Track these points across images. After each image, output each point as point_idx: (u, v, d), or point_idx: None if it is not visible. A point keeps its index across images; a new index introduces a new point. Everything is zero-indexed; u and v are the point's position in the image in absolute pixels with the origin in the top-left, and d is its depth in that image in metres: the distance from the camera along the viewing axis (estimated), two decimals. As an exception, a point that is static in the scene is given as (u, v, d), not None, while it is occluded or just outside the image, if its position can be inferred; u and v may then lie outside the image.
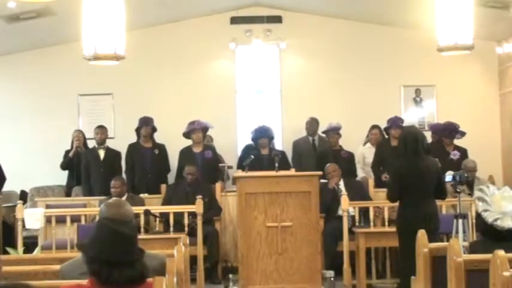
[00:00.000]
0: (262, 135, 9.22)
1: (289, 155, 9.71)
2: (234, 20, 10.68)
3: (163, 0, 9.63)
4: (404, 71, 10.70)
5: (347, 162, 9.23)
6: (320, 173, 7.35)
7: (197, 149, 9.09)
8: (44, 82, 10.55)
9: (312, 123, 9.79)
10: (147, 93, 10.52)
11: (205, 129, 9.24)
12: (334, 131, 9.48)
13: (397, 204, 7.82)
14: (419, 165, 6.23)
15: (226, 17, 10.67)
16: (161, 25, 10.60)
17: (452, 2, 6.85)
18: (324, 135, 9.67)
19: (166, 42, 10.59)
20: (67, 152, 9.49)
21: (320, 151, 9.51)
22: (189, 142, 9.19)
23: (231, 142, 10.47)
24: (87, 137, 9.65)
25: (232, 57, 10.81)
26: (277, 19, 10.71)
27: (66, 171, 9.62)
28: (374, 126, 9.63)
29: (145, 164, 9.18)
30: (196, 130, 9.04)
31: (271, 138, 9.32)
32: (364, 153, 9.67)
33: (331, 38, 10.69)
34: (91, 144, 9.55)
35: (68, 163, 9.46)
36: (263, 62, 10.94)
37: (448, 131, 9.13)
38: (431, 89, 10.80)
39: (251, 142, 9.47)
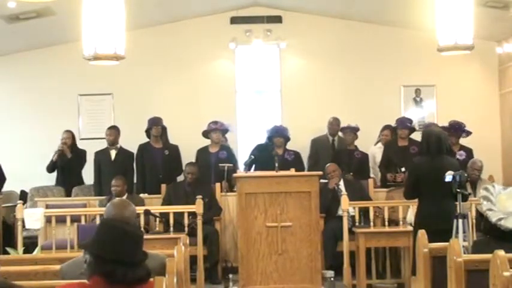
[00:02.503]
0: (278, 134, 9.24)
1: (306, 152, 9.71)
2: (234, 20, 10.68)
3: (163, 0, 9.63)
4: (404, 71, 10.69)
5: (359, 163, 9.22)
6: (320, 173, 7.35)
7: (213, 149, 9.17)
8: (44, 82, 10.55)
9: (334, 123, 9.74)
10: (147, 93, 10.52)
11: (225, 131, 9.31)
12: (351, 130, 9.47)
13: (397, 204, 7.86)
14: (441, 165, 6.20)
15: (226, 17, 10.67)
16: (161, 25, 10.60)
17: (452, 2, 6.85)
18: (341, 134, 9.68)
19: (166, 42, 10.59)
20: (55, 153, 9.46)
21: (336, 150, 9.52)
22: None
23: (231, 142, 10.43)
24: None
25: (232, 57, 10.81)
26: (277, 19, 10.71)
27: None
28: (386, 127, 9.61)
29: (156, 164, 9.18)
30: (218, 130, 9.12)
31: (286, 138, 9.32)
32: (374, 154, 9.67)
33: (331, 38, 10.69)
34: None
35: (52, 166, 9.44)
36: (263, 62, 10.93)
37: (454, 129, 9.11)
38: (431, 89, 10.80)
39: (261, 142, 9.48)
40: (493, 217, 4.01)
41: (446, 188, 6.19)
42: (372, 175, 9.47)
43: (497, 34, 10.23)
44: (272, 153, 8.85)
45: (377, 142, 9.79)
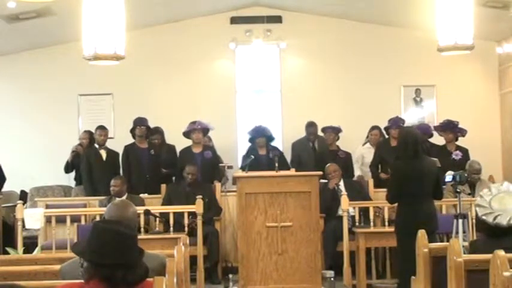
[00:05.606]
0: (259, 134, 9.21)
1: (288, 156, 9.67)
2: (234, 20, 10.69)
3: (163, 0, 9.63)
4: (404, 71, 10.70)
5: (344, 163, 9.22)
6: (320, 173, 7.35)
7: (197, 149, 9.07)
8: (44, 82, 10.55)
9: (309, 127, 9.67)
10: (147, 93, 10.52)
11: (205, 130, 9.23)
12: (332, 130, 9.48)
13: (396, 204, 7.84)
14: (420, 166, 6.25)
15: (226, 17, 10.68)
16: (161, 25, 10.60)
17: (452, 2, 6.86)
18: (322, 134, 9.66)
19: (166, 42, 10.59)
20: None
21: (318, 153, 9.50)
22: (187, 142, 9.19)
23: (231, 142, 10.48)
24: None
25: (232, 57, 10.81)
26: (277, 19, 10.71)
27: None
28: (374, 127, 9.63)
29: (142, 164, 9.14)
30: (197, 130, 9.03)
31: (268, 137, 9.28)
32: (363, 154, 9.67)
33: (331, 38, 10.69)
34: None
35: (67, 167, 9.49)
36: (263, 62, 10.94)
37: (447, 127, 9.12)
38: (431, 89, 10.80)
39: (250, 144, 9.44)
40: (480, 212, 4.03)
41: (427, 189, 6.22)
42: (359, 173, 9.48)
43: (497, 34, 10.24)
44: (259, 154, 8.88)
45: (365, 143, 9.78)
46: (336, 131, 9.53)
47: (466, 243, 5.50)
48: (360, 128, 9.80)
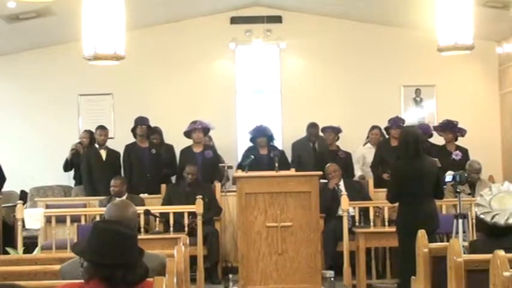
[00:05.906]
0: (260, 134, 9.21)
1: (289, 156, 9.68)
2: (234, 20, 10.69)
3: (163, 0, 9.63)
4: (404, 71, 10.70)
5: (344, 163, 9.22)
6: (320, 173, 7.35)
7: (197, 149, 9.08)
8: (44, 82, 10.55)
9: (311, 128, 9.67)
10: (147, 93, 10.52)
11: (206, 129, 9.23)
12: (332, 130, 9.49)
13: (397, 204, 7.85)
14: (420, 166, 6.25)
15: (226, 17, 10.68)
16: (161, 25, 10.60)
17: (452, 2, 6.86)
18: (322, 134, 9.66)
19: (166, 42, 10.59)
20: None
21: (318, 153, 9.50)
22: (188, 142, 9.19)
23: (230, 142, 10.47)
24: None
25: (232, 57, 10.81)
26: (277, 19, 10.71)
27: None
28: (374, 127, 9.63)
29: (143, 164, 9.14)
30: (197, 130, 9.04)
31: (269, 137, 9.28)
32: (364, 154, 9.66)
33: (331, 38, 10.69)
34: None
35: (66, 165, 9.50)
36: (263, 62, 10.94)
37: (446, 127, 9.13)
38: (431, 89, 10.80)
39: (251, 144, 9.44)
40: (479, 211, 4.03)
41: (427, 189, 6.22)
42: (360, 173, 9.48)
43: (497, 34, 10.24)
44: (260, 154, 8.88)
45: (366, 143, 9.78)
46: (336, 131, 9.54)
47: (466, 243, 5.50)
48: (360, 128, 9.80)
